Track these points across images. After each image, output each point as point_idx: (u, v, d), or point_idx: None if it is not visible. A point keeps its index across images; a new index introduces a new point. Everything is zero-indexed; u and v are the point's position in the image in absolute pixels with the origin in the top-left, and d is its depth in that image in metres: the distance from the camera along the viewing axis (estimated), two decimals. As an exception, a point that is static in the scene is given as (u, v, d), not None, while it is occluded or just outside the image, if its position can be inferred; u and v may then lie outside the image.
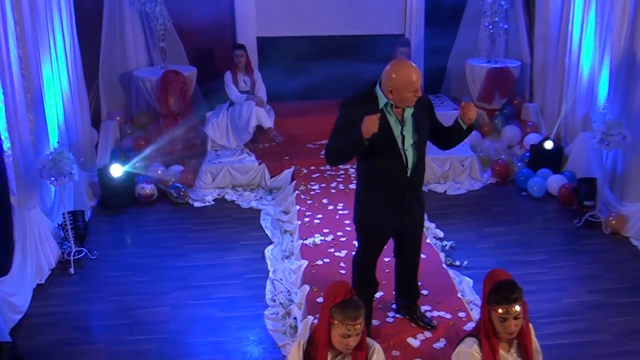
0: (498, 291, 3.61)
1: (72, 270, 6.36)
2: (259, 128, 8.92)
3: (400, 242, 4.78)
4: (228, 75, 8.87)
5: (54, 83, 7.14)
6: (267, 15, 9.74)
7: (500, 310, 3.59)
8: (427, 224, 7.12)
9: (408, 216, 4.57)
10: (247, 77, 8.95)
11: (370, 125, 4.05)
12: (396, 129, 4.32)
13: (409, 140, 4.35)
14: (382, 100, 4.30)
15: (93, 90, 9.22)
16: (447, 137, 4.66)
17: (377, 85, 4.34)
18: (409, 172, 4.39)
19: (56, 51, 7.24)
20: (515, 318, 3.60)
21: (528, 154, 8.63)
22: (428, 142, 4.64)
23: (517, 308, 3.59)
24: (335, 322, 3.60)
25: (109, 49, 9.41)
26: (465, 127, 4.48)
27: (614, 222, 7.02)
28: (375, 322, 5.02)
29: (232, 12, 9.63)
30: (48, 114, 6.85)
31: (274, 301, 5.75)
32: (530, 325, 3.89)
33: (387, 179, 4.40)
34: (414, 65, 4.29)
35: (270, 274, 6.20)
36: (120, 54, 9.55)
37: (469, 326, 4.93)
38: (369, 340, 3.89)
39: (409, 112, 4.35)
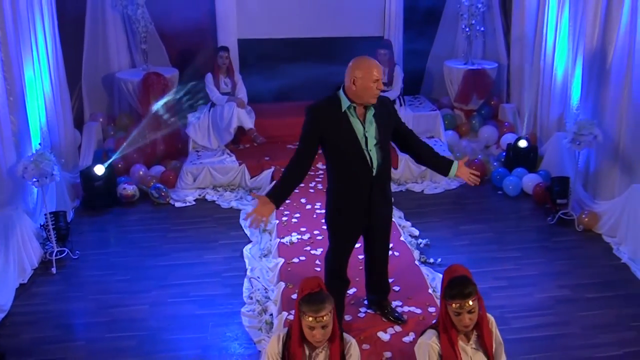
0: (452, 286, 3.76)
1: (54, 270, 6.43)
2: (240, 129, 9.00)
3: (370, 239, 4.90)
4: (209, 77, 8.94)
5: (36, 85, 7.20)
6: (248, 18, 9.81)
7: (454, 305, 3.73)
8: (403, 222, 7.27)
9: (376, 214, 4.69)
10: (228, 79, 9.03)
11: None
12: (359, 130, 4.47)
13: (372, 141, 4.49)
14: (344, 103, 4.46)
15: (76, 92, 9.30)
16: (422, 155, 4.87)
17: (341, 90, 4.50)
18: (374, 171, 4.52)
19: (38, 53, 7.29)
20: (470, 312, 3.74)
21: (504, 154, 8.77)
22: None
23: (471, 303, 3.72)
24: (301, 313, 3.74)
25: (91, 51, 9.47)
26: (452, 175, 4.78)
27: (586, 219, 7.16)
28: (347, 317, 5.14)
29: (213, 14, 9.69)
30: (30, 115, 6.91)
31: (251, 298, 5.85)
32: (491, 318, 4.03)
33: (353, 179, 4.54)
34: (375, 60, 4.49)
35: (248, 272, 6.30)
36: (102, 56, 9.61)
37: (438, 320, 5.07)
38: (346, 335, 4.03)
39: (370, 113, 4.50)
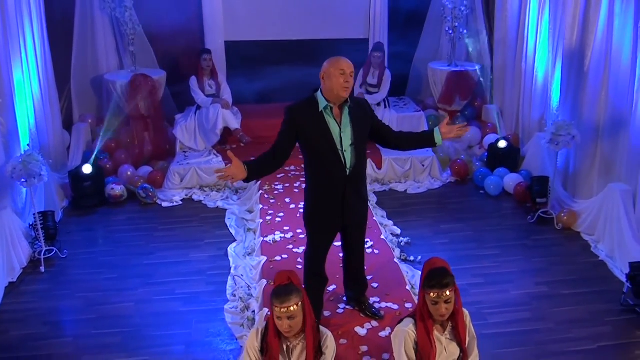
0: (431, 277, 3.89)
1: (42, 268, 6.52)
2: (227, 129, 9.08)
3: (346, 238, 5.01)
4: (193, 81, 9.04)
5: (25, 87, 7.28)
6: (235, 20, 9.91)
7: (432, 294, 3.87)
8: (385, 221, 7.39)
9: (351, 213, 4.80)
10: (212, 81, 9.12)
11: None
12: (335, 131, 4.59)
13: (346, 142, 4.60)
14: (322, 104, 4.59)
15: (65, 94, 9.36)
16: (404, 141, 4.97)
17: (319, 91, 4.64)
18: (348, 171, 4.63)
19: (27, 55, 7.37)
20: (446, 302, 3.88)
21: (486, 154, 8.89)
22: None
23: (448, 293, 3.86)
24: (272, 305, 3.88)
25: (80, 53, 9.52)
26: (439, 141, 4.85)
27: (565, 218, 7.28)
28: (326, 313, 5.26)
29: (200, 17, 9.79)
30: (19, 117, 6.99)
31: (234, 296, 5.95)
32: (466, 312, 4.15)
33: (328, 179, 4.66)
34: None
35: (232, 270, 6.40)
36: (91, 58, 9.66)
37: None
38: (322, 328, 4.15)
39: (346, 113, 4.63)
